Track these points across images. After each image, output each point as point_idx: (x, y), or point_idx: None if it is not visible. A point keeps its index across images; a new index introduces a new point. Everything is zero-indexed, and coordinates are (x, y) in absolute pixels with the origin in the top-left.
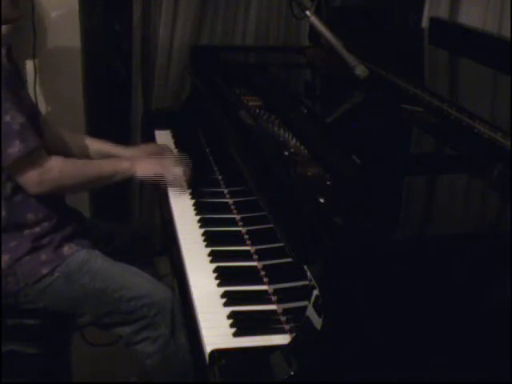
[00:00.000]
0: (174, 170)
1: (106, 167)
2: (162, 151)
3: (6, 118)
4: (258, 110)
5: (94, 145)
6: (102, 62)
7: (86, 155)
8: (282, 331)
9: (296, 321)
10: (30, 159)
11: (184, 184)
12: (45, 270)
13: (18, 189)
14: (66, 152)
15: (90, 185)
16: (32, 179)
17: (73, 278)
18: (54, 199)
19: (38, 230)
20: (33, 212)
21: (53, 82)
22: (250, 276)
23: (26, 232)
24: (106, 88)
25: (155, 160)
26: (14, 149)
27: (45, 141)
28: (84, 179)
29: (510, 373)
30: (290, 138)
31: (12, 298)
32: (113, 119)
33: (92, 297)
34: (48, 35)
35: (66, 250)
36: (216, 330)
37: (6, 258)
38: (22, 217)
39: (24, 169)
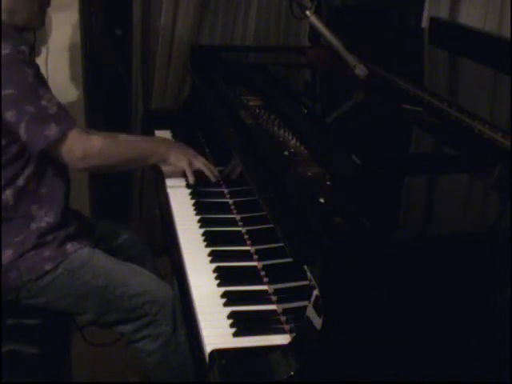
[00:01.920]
0: (202, 158)
1: (144, 147)
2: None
3: (43, 103)
4: (258, 110)
5: None
6: (102, 62)
7: None
8: (282, 331)
9: (296, 321)
10: (69, 139)
11: (213, 170)
12: (48, 266)
13: (32, 179)
14: None
15: (127, 164)
16: (75, 155)
17: (75, 275)
18: (59, 197)
19: (43, 224)
20: (37, 204)
21: (53, 81)
22: (250, 276)
23: (33, 227)
24: (106, 88)
25: (188, 150)
26: (51, 131)
27: None
28: (122, 158)
29: (510, 373)
30: (290, 137)
31: (14, 294)
32: (113, 119)
33: (94, 294)
34: (48, 35)
35: (69, 247)
36: (216, 330)
37: (9, 252)
38: (27, 208)
39: (65, 148)
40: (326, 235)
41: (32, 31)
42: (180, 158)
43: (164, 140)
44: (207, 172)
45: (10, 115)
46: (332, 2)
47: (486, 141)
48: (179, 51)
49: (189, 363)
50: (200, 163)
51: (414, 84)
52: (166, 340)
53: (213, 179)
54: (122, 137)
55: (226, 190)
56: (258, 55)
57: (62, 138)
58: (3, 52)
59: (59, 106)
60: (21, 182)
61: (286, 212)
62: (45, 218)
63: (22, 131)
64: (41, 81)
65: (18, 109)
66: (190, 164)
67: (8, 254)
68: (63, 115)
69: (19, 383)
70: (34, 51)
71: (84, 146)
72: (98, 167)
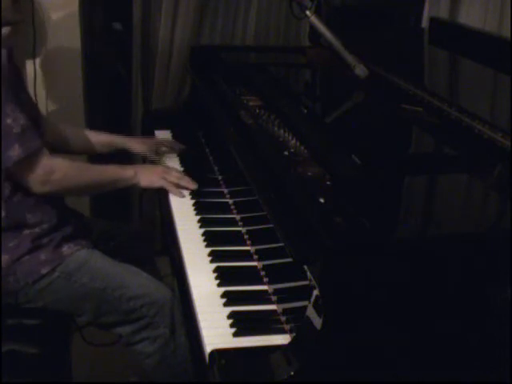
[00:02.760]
0: (175, 172)
1: (109, 173)
2: (161, 144)
3: (8, 121)
4: (258, 110)
5: (96, 137)
6: (101, 62)
7: (89, 149)
8: (282, 331)
9: (296, 321)
10: (32, 161)
11: (189, 182)
12: (44, 270)
13: (16, 189)
14: (69, 149)
15: (92, 189)
16: (36, 179)
17: (73, 278)
18: (53, 200)
19: (37, 230)
20: (32, 212)
21: (53, 82)
22: (250, 276)
23: (26, 232)
24: (106, 88)
25: (158, 168)
26: (14, 152)
27: (47, 142)
28: (87, 183)
29: (510, 373)
30: (290, 138)
31: (12, 298)
32: (113, 119)
33: (92, 296)
34: (48, 35)
35: (65, 249)
36: (216, 330)
37: (5, 257)
38: (21, 217)
39: (27, 170)
40: (326, 235)
41: (10, 26)
42: (152, 180)
43: (132, 166)
44: (184, 184)
45: None
46: (332, 1)
47: (485, 141)
48: (179, 51)
49: (188, 364)
50: (174, 177)
51: (414, 84)
52: (164, 342)
53: (192, 188)
54: (88, 164)
55: (225, 190)
56: (258, 55)
57: (24, 158)
58: None
59: (25, 125)
60: (6, 192)
61: (286, 212)
62: (38, 224)
63: None
64: (11, 97)
65: None
66: (165, 180)
67: (4, 260)
68: (28, 135)
69: (19, 383)
70: (13, 53)
71: (46, 170)
72: (60, 191)
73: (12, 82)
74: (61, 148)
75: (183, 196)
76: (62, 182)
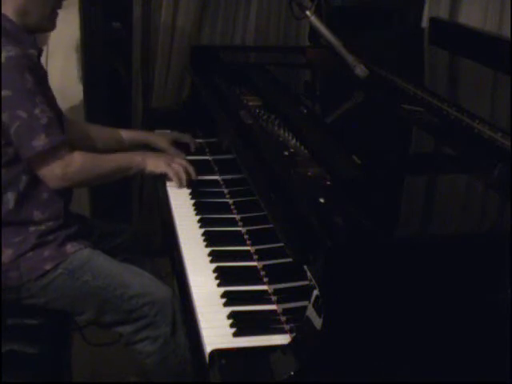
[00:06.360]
0: (180, 159)
1: (122, 161)
2: (179, 138)
3: (36, 111)
4: (258, 110)
5: (119, 134)
6: (101, 62)
7: (112, 147)
8: (282, 331)
9: (296, 321)
10: (54, 153)
11: (192, 171)
12: (48, 266)
13: (31, 185)
14: (93, 147)
15: (107, 178)
16: (55, 173)
17: (75, 276)
18: (61, 200)
19: (43, 227)
20: (40, 210)
21: (53, 81)
22: (250, 276)
23: (32, 228)
24: (106, 88)
25: (163, 155)
26: (39, 142)
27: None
28: (102, 173)
29: (510, 373)
30: (290, 138)
31: (14, 293)
32: (113, 119)
33: (93, 294)
34: (48, 35)
35: (68, 247)
36: (216, 330)
37: (9, 252)
38: (29, 213)
39: (47, 162)
40: (326, 235)
41: (43, 33)
42: (157, 164)
43: (139, 152)
44: (182, 175)
45: (4, 116)
46: (332, 1)
47: (486, 141)
48: (179, 51)
49: (188, 364)
50: (177, 165)
51: (414, 84)
52: (165, 341)
53: (193, 177)
54: (101, 155)
55: (225, 190)
56: (258, 55)
57: (49, 150)
58: (8, 54)
59: (51, 118)
60: (21, 186)
61: (286, 212)
62: (45, 221)
63: (12, 135)
64: (40, 90)
65: (11, 112)
66: (169, 166)
67: (8, 254)
68: (54, 128)
69: (19, 383)
70: (40, 55)
71: (65, 165)
72: (76, 184)
73: (42, 78)
74: (84, 146)
75: (183, 186)
76: (80, 174)
